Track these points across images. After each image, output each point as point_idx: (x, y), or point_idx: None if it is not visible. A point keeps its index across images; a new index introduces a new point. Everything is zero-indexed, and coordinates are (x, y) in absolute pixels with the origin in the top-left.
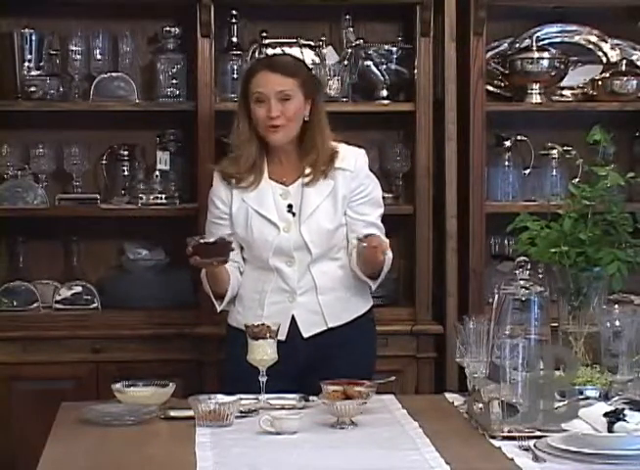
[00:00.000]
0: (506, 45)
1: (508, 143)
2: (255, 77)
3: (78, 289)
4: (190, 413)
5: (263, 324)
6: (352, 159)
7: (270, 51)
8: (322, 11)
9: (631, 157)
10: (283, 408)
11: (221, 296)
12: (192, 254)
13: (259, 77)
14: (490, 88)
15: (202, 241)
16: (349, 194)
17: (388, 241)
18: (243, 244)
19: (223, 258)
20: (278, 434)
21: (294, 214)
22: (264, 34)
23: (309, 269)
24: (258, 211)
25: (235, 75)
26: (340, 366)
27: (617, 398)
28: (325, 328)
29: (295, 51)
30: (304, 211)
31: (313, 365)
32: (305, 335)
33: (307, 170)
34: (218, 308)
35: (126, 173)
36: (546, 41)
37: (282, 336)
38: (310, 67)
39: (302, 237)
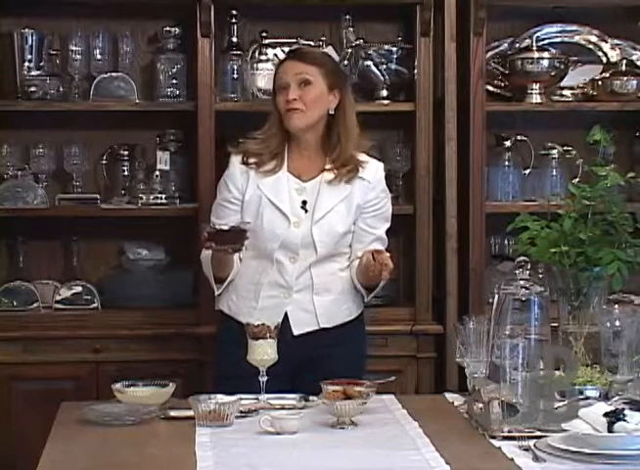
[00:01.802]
0: (506, 45)
1: (508, 143)
2: (281, 67)
3: (78, 289)
4: (190, 413)
5: (263, 324)
6: (373, 170)
7: (270, 51)
8: (322, 11)
9: (631, 157)
10: (283, 408)
11: (222, 280)
12: (207, 239)
13: (283, 66)
14: (490, 88)
15: (218, 227)
16: (364, 204)
17: (387, 254)
18: (249, 233)
19: (238, 246)
20: (278, 434)
21: (306, 211)
22: (264, 34)
23: (310, 268)
24: (272, 201)
25: (235, 75)
26: (330, 366)
27: (617, 398)
28: (316, 328)
29: None
30: (318, 211)
31: (303, 364)
32: (296, 332)
33: (328, 166)
34: (217, 292)
35: (126, 173)
36: (546, 41)
37: None
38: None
39: (312, 236)
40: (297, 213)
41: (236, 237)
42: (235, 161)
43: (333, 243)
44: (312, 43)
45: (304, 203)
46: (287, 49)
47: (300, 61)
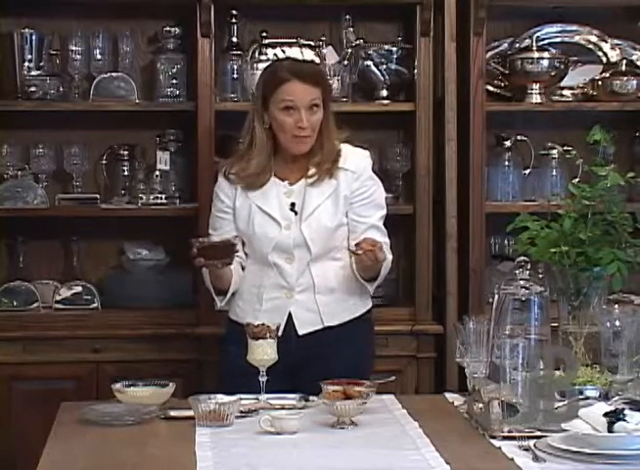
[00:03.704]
0: (506, 45)
1: (508, 143)
2: (285, 86)
3: (78, 289)
4: (190, 413)
5: (263, 324)
6: (356, 160)
7: (270, 51)
8: (322, 11)
9: (631, 157)
10: (283, 408)
11: (223, 292)
12: (197, 255)
13: (290, 86)
14: (490, 88)
15: (207, 242)
16: (351, 195)
17: (387, 241)
18: (244, 238)
19: (228, 260)
20: (278, 434)
21: (296, 213)
22: (264, 34)
23: (309, 268)
24: (261, 208)
25: (235, 75)
26: (333, 365)
27: (616, 398)
28: (321, 327)
29: (294, 51)
30: (306, 210)
31: (307, 363)
32: (300, 332)
33: (312, 171)
34: (219, 305)
35: (126, 173)
36: (546, 41)
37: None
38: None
39: (303, 235)
40: (286, 217)
41: (224, 251)
42: (222, 173)
43: (324, 239)
44: (312, 43)
45: (293, 205)
46: (287, 49)
47: (309, 83)
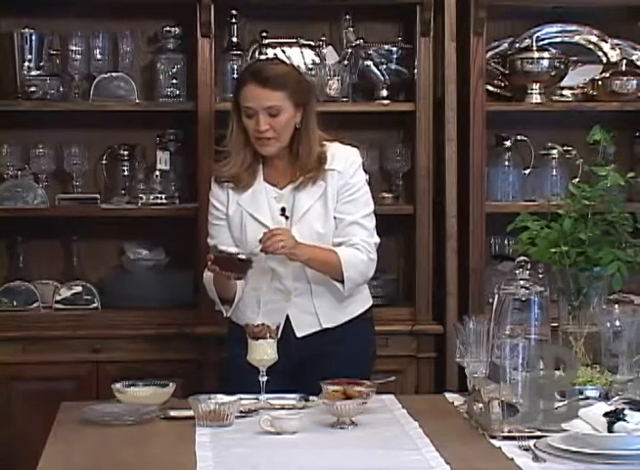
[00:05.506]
0: (506, 45)
1: (508, 143)
2: (244, 90)
3: (78, 289)
4: (190, 413)
5: (263, 324)
6: (342, 159)
7: (270, 51)
8: (322, 11)
9: (631, 157)
10: (283, 408)
11: (229, 301)
12: (213, 262)
13: (248, 91)
14: (490, 88)
15: (225, 254)
16: (336, 193)
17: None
18: (239, 244)
19: (241, 276)
20: (278, 434)
21: (287, 218)
22: (264, 34)
23: (305, 271)
24: (252, 215)
25: (235, 75)
26: (333, 365)
27: (616, 398)
28: (319, 329)
29: (294, 51)
30: (296, 214)
31: (307, 364)
32: (299, 334)
33: (298, 174)
34: (226, 314)
35: (126, 173)
36: (546, 41)
37: None
38: (310, 67)
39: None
40: (277, 222)
41: (240, 266)
42: (214, 179)
43: (316, 243)
44: (312, 43)
45: (283, 210)
46: (287, 49)
47: (266, 87)
